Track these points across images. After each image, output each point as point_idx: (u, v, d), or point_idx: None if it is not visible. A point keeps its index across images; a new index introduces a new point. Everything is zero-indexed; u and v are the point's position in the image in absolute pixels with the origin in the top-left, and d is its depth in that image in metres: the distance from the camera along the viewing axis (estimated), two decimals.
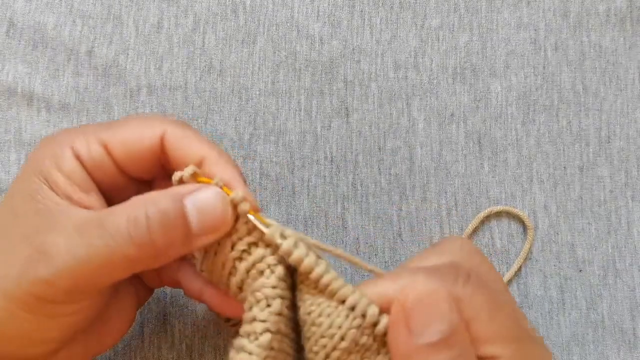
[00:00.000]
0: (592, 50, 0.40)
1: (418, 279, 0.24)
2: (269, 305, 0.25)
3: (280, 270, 0.26)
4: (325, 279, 0.25)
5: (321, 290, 0.25)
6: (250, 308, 0.26)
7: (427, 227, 0.38)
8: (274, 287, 0.25)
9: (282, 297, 0.26)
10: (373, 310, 0.24)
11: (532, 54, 0.40)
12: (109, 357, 0.35)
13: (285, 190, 0.38)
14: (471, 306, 0.24)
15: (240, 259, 0.26)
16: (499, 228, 0.38)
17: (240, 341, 0.25)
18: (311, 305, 0.25)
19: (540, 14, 0.40)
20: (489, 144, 0.39)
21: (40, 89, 0.38)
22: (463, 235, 0.37)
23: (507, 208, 0.38)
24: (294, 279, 0.27)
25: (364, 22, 0.40)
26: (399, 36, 0.40)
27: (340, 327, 0.24)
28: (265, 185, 0.38)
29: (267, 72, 0.39)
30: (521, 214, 0.37)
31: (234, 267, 0.27)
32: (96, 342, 0.30)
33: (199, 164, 0.28)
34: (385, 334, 0.24)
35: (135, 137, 0.28)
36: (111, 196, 0.29)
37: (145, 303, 0.34)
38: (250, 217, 0.26)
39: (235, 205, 0.26)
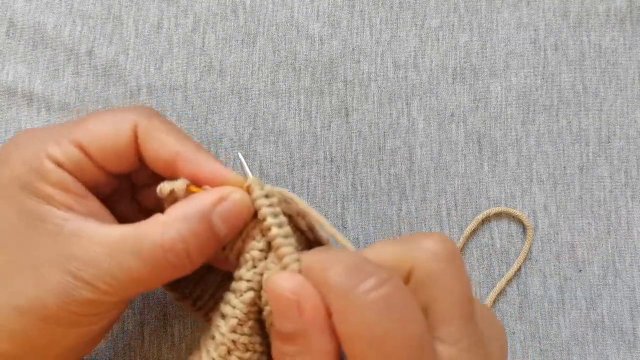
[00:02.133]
0: (592, 50, 0.40)
1: (334, 261, 0.23)
2: (254, 267, 0.27)
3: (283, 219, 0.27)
4: (277, 241, 0.26)
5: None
6: (239, 268, 0.27)
7: (427, 227, 0.38)
8: (261, 250, 0.27)
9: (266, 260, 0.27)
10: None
11: (532, 54, 0.40)
12: (109, 357, 0.35)
13: None
14: (356, 317, 0.22)
15: (239, 233, 0.28)
16: (498, 228, 0.38)
17: (228, 296, 0.27)
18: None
19: (540, 14, 0.40)
20: (488, 144, 0.39)
21: (40, 89, 0.38)
22: (462, 236, 0.37)
23: (506, 209, 0.38)
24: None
25: (363, 22, 0.40)
26: (399, 36, 0.40)
27: (248, 281, 0.27)
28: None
29: (266, 72, 0.39)
30: (520, 214, 0.37)
31: (234, 240, 0.28)
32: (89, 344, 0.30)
33: (173, 158, 0.28)
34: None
35: (108, 132, 0.28)
36: (96, 193, 0.29)
37: (145, 304, 0.34)
38: (241, 157, 0.28)
39: (251, 193, 0.28)
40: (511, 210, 0.38)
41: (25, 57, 0.38)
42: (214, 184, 0.28)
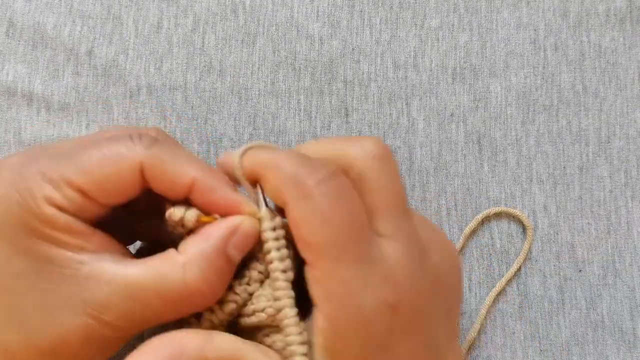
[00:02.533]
0: (591, 50, 0.40)
1: (282, 159, 0.26)
2: (248, 284, 0.27)
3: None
4: (275, 274, 0.26)
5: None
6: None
7: None
8: (259, 272, 0.27)
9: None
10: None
11: (531, 54, 0.40)
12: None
13: None
14: (306, 207, 0.25)
15: None
16: (498, 228, 0.38)
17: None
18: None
19: (540, 14, 0.40)
20: (488, 144, 0.39)
21: (40, 89, 0.38)
22: (462, 236, 0.37)
23: (505, 209, 0.38)
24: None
25: (363, 22, 0.40)
26: (399, 36, 0.40)
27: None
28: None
29: (266, 72, 0.39)
30: (520, 214, 0.37)
31: None
32: None
33: (188, 188, 0.27)
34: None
35: (110, 177, 0.26)
36: (99, 223, 0.28)
37: None
38: (259, 190, 0.27)
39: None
40: (511, 210, 0.38)
41: (25, 57, 0.38)
42: (228, 214, 0.27)
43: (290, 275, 0.26)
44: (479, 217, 0.37)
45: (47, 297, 0.25)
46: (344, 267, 0.24)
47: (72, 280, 0.25)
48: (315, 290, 0.25)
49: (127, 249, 0.29)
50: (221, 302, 0.27)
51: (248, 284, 0.27)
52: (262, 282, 0.27)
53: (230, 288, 0.27)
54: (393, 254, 0.25)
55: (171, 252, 0.26)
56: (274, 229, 0.27)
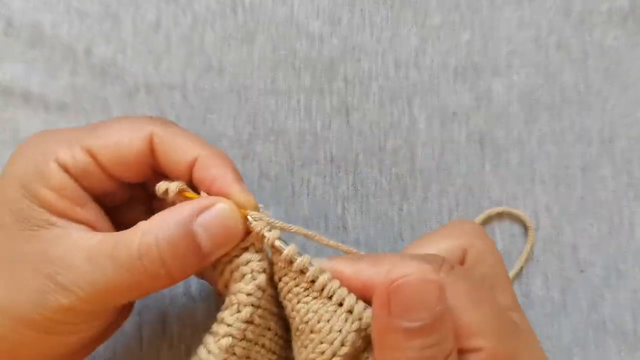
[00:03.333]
0: (594, 49, 0.39)
1: (401, 264, 0.23)
2: (239, 311, 0.26)
3: (261, 278, 0.26)
4: (321, 280, 0.25)
5: (315, 292, 0.25)
6: (225, 309, 0.26)
7: (429, 227, 0.37)
8: (248, 295, 0.26)
9: (254, 306, 0.26)
10: (368, 313, 0.24)
11: (534, 52, 0.39)
12: (107, 358, 0.35)
13: (285, 191, 0.37)
14: (453, 295, 0.24)
15: (230, 261, 0.27)
16: (500, 229, 0.38)
17: (207, 338, 0.26)
18: (307, 314, 0.25)
19: (542, 12, 0.40)
20: (490, 144, 0.38)
21: (37, 88, 0.38)
22: None
23: (507, 209, 0.37)
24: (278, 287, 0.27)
25: (364, 21, 0.39)
26: (400, 35, 0.39)
27: (340, 331, 0.24)
28: (265, 185, 0.37)
29: (266, 71, 0.39)
30: (522, 214, 0.37)
31: (223, 268, 0.27)
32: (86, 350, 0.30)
33: (192, 164, 0.27)
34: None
35: (121, 141, 0.27)
36: (104, 201, 0.29)
37: (144, 305, 0.34)
38: (267, 234, 0.26)
39: (246, 217, 0.27)
40: (513, 210, 0.37)
41: (22, 56, 0.38)
42: (219, 194, 0.27)
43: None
44: (481, 217, 0.37)
45: (15, 252, 0.26)
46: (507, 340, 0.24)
47: (40, 239, 0.26)
48: None
49: (113, 228, 0.29)
50: (216, 339, 0.26)
51: (239, 310, 0.26)
52: (253, 305, 0.26)
53: (221, 321, 0.26)
54: (521, 322, 0.27)
55: (140, 222, 0.26)
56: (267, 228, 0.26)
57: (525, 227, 0.38)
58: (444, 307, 0.22)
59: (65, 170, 0.27)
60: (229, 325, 0.25)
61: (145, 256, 0.25)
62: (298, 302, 0.25)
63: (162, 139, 0.27)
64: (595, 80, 0.39)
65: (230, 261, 0.27)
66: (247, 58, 0.39)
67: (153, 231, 0.25)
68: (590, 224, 0.38)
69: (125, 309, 0.31)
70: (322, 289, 0.25)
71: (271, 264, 0.27)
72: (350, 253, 0.29)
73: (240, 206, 0.26)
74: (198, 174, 0.27)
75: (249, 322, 0.26)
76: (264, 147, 0.38)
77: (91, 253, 0.25)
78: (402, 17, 0.40)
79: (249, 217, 0.26)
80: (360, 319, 0.24)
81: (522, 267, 0.37)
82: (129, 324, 0.35)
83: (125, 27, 0.39)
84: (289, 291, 0.26)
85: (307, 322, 0.25)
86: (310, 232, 0.28)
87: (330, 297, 0.25)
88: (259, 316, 0.26)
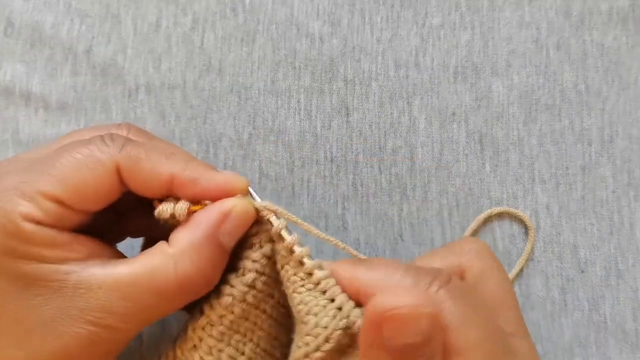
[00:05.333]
0: (594, 49, 0.40)
1: (394, 275, 0.24)
2: (243, 275, 0.27)
3: (267, 248, 0.27)
4: (317, 275, 0.26)
5: (310, 284, 0.26)
6: (231, 271, 0.27)
7: (428, 227, 0.37)
8: (254, 261, 0.27)
9: (258, 272, 0.27)
10: (357, 312, 0.25)
11: (534, 52, 0.39)
12: None
13: (285, 190, 0.37)
14: (443, 314, 0.24)
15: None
16: (500, 229, 0.38)
17: (210, 293, 0.27)
18: (299, 304, 0.26)
19: (542, 12, 0.40)
20: (490, 144, 0.38)
21: (38, 88, 0.38)
22: (463, 237, 0.37)
23: (507, 209, 0.37)
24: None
25: (364, 21, 0.39)
26: (400, 35, 0.39)
27: (326, 327, 0.25)
28: (265, 185, 0.37)
29: (266, 71, 0.39)
30: (521, 214, 0.37)
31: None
32: None
33: (167, 184, 0.26)
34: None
35: (84, 184, 0.25)
36: (85, 226, 0.27)
37: None
38: (274, 220, 0.27)
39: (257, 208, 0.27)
40: (513, 210, 0.37)
41: (23, 56, 0.38)
42: (221, 197, 0.27)
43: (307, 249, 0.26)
44: (481, 217, 0.37)
45: (39, 313, 0.25)
46: None
47: (61, 292, 0.25)
48: None
49: (117, 249, 0.29)
50: (218, 296, 0.27)
51: (243, 274, 0.27)
52: (257, 271, 0.27)
53: (225, 281, 0.27)
54: (522, 348, 0.26)
55: (161, 244, 0.26)
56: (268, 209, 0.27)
57: (525, 227, 0.38)
58: (436, 332, 0.22)
59: (40, 224, 0.25)
60: (231, 285, 0.26)
61: (189, 283, 0.25)
62: (293, 291, 0.26)
63: (128, 168, 0.26)
64: (595, 80, 0.39)
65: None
66: (247, 58, 0.39)
67: (186, 257, 0.25)
68: (590, 224, 0.38)
69: None
70: (318, 283, 0.25)
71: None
72: (347, 250, 0.30)
73: (241, 190, 0.27)
74: (185, 193, 0.27)
75: (251, 286, 0.27)
76: (264, 147, 0.38)
77: (128, 293, 0.25)
78: (402, 17, 0.40)
79: (257, 206, 0.27)
80: (348, 317, 0.25)
81: (522, 268, 0.37)
82: None
83: (125, 27, 0.39)
84: (287, 279, 0.26)
85: (298, 312, 0.26)
86: (310, 227, 0.29)
87: (323, 292, 0.25)
88: (263, 283, 0.27)
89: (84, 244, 0.26)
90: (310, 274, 0.26)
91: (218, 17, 0.39)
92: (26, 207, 0.25)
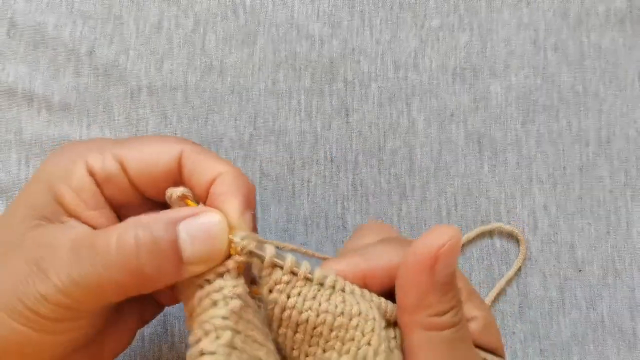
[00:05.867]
0: (591, 51, 0.40)
1: (390, 252, 0.27)
2: (217, 337, 0.23)
3: (235, 303, 0.24)
4: (329, 280, 0.26)
5: (327, 292, 0.26)
6: (198, 341, 0.24)
7: (427, 227, 0.38)
8: (224, 318, 0.24)
9: (233, 330, 0.24)
10: (383, 302, 0.26)
11: (532, 54, 0.40)
12: None
13: (285, 190, 0.38)
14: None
15: (201, 286, 0.25)
16: (498, 228, 0.38)
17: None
18: (339, 316, 0.25)
19: (540, 14, 0.40)
20: (488, 144, 0.39)
21: (40, 89, 0.38)
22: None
23: (498, 225, 0.37)
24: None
25: (364, 23, 0.40)
26: (399, 36, 0.40)
27: (374, 319, 0.25)
28: (266, 185, 0.38)
29: (267, 72, 0.39)
30: (512, 229, 0.37)
31: (193, 292, 0.25)
32: (93, 358, 0.29)
33: (212, 181, 0.27)
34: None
35: (152, 155, 0.27)
36: (125, 214, 0.28)
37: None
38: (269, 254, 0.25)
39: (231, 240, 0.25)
40: (503, 226, 0.37)
41: (26, 57, 0.38)
42: (216, 207, 0.26)
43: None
44: (471, 234, 0.37)
45: (13, 242, 0.26)
46: None
47: (41, 231, 0.26)
48: None
49: None
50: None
51: (217, 337, 0.23)
52: (238, 334, 0.24)
53: (199, 353, 0.23)
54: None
55: (129, 218, 0.25)
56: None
57: (522, 227, 0.38)
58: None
59: (92, 173, 0.27)
60: (211, 353, 0.23)
61: (121, 249, 0.24)
62: (302, 311, 0.25)
63: (191, 157, 0.27)
64: (593, 81, 0.40)
65: (202, 286, 0.25)
66: (248, 59, 0.39)
67: (135, 226, 0.24)
68: (587, 224, 0.38)
69: (125, 331, 0.30)
70: (334, 286, 0.26)
71: (252, 286, 0.26)
72: (316, 255, 0.31)
73: (231, 226, 0.25)
74: (212, 189, 0.27)
75: (232, 347, 0.24)
76: (265, 148, 0.38)
77: (75, 242, 0.25)
78: (401, 19, 0.40)
79: (235, 237, 0.25)
80: (380, 307, 0.26)
81: (520, 267, 0.37)
82: None
83: (127, 29, 0.39)
84: (289, 306, 0.25)
85: (323, 323, 0.25)
86: (293, 246, 0.29)
87: (342, 290, 0.26)
88: (242, 342, 0.24)
89: (103, 218, 0.27)
90: (321, 284, 0.25)
91: (219, 19, 0.39)
92: (94, 156, 0.27)
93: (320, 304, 0.25)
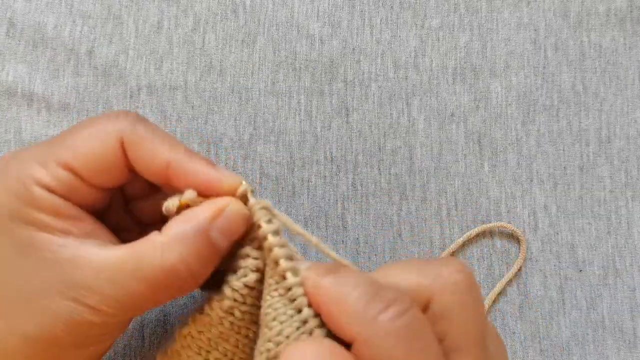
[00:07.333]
0: (592, 50, 0.40)
1: (354, 292, 0.22)
2: (220, 300, 0.26)
3: (251, 277, 0.26)
4: (289, 281, 0.24)
5: (282, 290, 0.25)
6: (213, 291, 0.27)
7: (427, 227, 0.38)
8: (233, 290, 0.26)
9: (236, 301, 0.26)
10: (320, 333, 0.23)
11: (532, 54, 0.40)
12: (109, 357, 0.35)
13: (285, 190, 0.38)
14: (378, 350, 0.22)
15: (238, 247, 0.27)
16: (499, 228, 0.38)
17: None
18: (268, 308, 0.25)
19: (541, 13, 0.40)
20: (489, 144, 0.39)
21: (40, 89, 0.38)
22: (454, 244, 0.37)
23: (499, 224, 0.37)
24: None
25: (364, 22, 0.40)
26: (399, 36, 0.40)
27: (288, 338, 0.23)
28: (266, 185, 0.38)
29: (267, 72, 0.39)
30: (513, 229, 0.37)
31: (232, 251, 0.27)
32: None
33: (165, 169, 0.27)
34: None
35: (93, 149, 0.26)
36: (91, 210, 0.28)
37: None
38: (253, 203, 0.27)
39: (251, 207, 0.27)
40: (503, 226, 0.37)
41: (25, 57, 0.38)
42: (210, 191, 0.27)
43: (290, 251, 0.25)
44: (471, 234, 0.37)
45: (28, 282, 0.25)
46: None
47: (53, 264, 0.25)
48: None
49: (117, 238, 0.29)
50: (220, 298, 0.26)
51: (245, 275, 0.26)
52: (258, 270, 0.26)
53: (227, 283, 0.26)
54: None
55: (153, 233, 0.26)
56: (264, 208, 0.26)
57: (523, 226, 0.38)
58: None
59: (51, 191, 0.26)
60: (233, 290, 0.26)
61: (172, 273, 0.25)
62: (267, 293, 0.25)
63: (131, 141, 0.27)
64: (593, 81, 0.40)
65: (238, 247, 0.27)
66: (247, 59, 0.39)
67: (174, 247, 0.25)
68: (588, 223, 0.38)
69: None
70: (289, 289, 0.24)
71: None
72: (331, 255, 0.28)
73: (235, 190, 0.27)
74: (178, 182, 0.27)
75: (229, 312, 0.26)
76: (265, 148, 0.38)
77: (113, 274, 0.25)
78: (401, 18, 0.40)
79: (250, 206, 0.27)
80: (310, 333, 0.23)
81: (520, 267, 0.37)
82: (131, 324, 0.35)
83: (127, 29, 0.39)
84: (267, 281, 0.26)
85: (265, 315, 0.25)
86: (310, 236, 0.27)
87: (292, 300, 0.24)
88: (241, 311, 0.26)
89: (88, 223, 0.27)
90: (283, 278, 0.24)
91: (219, 19, 0.39)
92: (40, 172, 0.26)
93: (267, 294, 0.25)
